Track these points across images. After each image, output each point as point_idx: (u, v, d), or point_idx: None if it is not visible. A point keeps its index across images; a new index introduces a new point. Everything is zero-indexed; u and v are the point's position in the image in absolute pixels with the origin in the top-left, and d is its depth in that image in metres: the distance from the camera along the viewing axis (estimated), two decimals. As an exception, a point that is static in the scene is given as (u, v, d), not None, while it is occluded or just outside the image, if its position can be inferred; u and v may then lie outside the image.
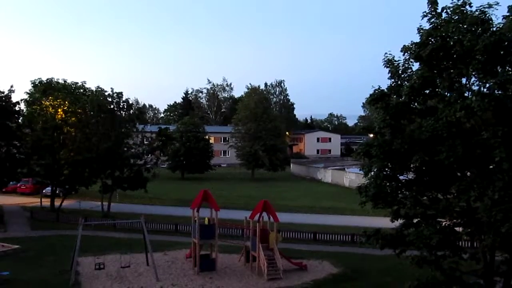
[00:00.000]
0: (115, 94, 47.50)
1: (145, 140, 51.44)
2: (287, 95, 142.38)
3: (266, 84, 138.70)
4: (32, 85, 56.80)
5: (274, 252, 28.02)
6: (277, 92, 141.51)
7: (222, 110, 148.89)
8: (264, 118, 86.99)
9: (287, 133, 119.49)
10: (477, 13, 17.00)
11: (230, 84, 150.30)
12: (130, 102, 50.35)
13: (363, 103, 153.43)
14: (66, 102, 47.32)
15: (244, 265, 29.53)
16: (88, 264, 28.62)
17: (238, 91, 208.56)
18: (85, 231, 29.67)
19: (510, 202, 15.06)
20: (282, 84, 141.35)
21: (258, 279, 26.84)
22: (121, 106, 48.22)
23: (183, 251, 32.25)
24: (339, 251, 33.35)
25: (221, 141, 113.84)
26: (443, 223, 18.43)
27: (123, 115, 48.64)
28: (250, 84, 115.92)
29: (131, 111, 49.80)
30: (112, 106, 47.55)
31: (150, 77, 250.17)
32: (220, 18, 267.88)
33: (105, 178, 46.86)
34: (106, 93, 47.56)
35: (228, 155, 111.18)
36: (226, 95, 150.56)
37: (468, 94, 17.05)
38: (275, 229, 28.87)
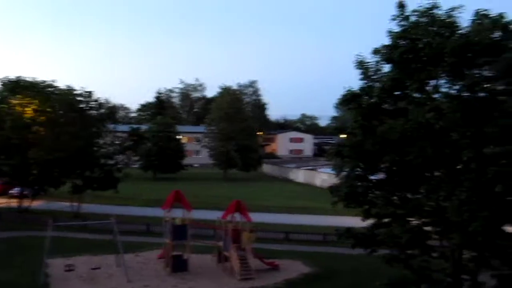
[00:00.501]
0: (86, 93, 46.84)
1: (116, 139, 50.85)
2: (260, 95, 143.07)
3: (239, 84, 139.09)
4: (1, 83, 55.59)
5: (246, 252, 28.05)
6: (250, 92, 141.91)
7: (194, 110, 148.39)
8: (237, 118, 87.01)
9: (260, 133, 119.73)
10: (444, 16, 17.38)
11: (203, 84, 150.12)
12: (101, 101, 49.71)
13: (335, 103, 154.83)
14: (35, 101, 46.43)
15: (217, 265, 29.48)
16: (58, 266, 28.14)
17: (211, 91, 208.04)
18: (55, 232, 29.15)
19: (478, 202, 15.39)
20: (255, 84, 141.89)
21: (231, 279, 26.83)
22: (91, 105, 47.56)
23: (155, 252, 32.00)
24: (311, 250, 33.57)
25: (194, 141, 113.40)
26: (413, 223, 18.75)
27: (94, 114, 47.99)
28: (223, 84, 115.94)
29: (102, 110, 49.17)
30: (82, 105, 46.85)
31: (122, 76, 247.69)
32: (193, 17, 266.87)
33: (75, 178, 46.16)
34: (76, 92, 46.83)
35: (201, 155, 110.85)
36: (198, 95, 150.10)
37: (438, 96, 17.37)
38: (247, 229, 28.90)
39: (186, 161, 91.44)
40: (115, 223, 28.66)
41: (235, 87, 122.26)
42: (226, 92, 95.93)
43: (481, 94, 16.63)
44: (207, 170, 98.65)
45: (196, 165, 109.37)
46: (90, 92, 46.96)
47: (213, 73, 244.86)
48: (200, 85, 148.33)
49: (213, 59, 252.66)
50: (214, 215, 33.44)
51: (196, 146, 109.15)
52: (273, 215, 46.53)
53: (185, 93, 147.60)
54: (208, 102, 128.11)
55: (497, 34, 17.21)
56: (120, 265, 28.30)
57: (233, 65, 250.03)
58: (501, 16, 17.04)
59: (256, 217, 35.78)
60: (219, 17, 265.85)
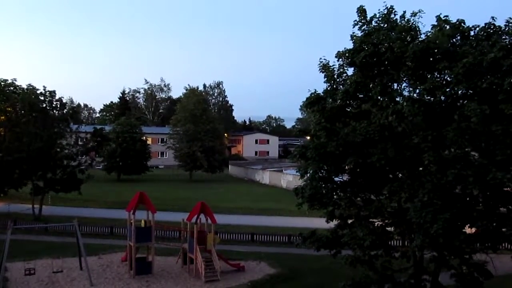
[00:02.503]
0: (48, 92, 45.89)
1: (79, 140, 49.96)
2: (226, 96, 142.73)
3: (204, 86, 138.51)
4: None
5: (211, 253, 27.99)
6: (215, 94, 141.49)
7: (160, 111, 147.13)
8: (203, 119, 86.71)
9: (225, 134, 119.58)
10: (404, 21, 17.77)
11: (168, 84, 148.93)
12: (64, 101, 48.76)
13: (300, 106, 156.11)
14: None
15: (182, 268, 29.31)
16: (17, 269, 27.49)
17: (176, 92, 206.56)
18: (15, 235, 28.48)
19: (439, 204, 15.75)
20: (221, 85, 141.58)
21: (196, 281, 26.73)
22: (54, 105, 46.63)
23: (119, 255, 31.61)
24: (277, 252, 33.73)
25: (158, 142, 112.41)
26: (376, 223, 19.06)
27: (56, 114, 47.06)
28: (188, 85, 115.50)
29: (65, 111, 48.24)
30: (44, 105, 45.88)
31: (86, 76, 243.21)
32: (158, 17, 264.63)
33: (36, 179, 45.14)
34: (38, 92, 45.82)
35: (166, 156, 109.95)
36: (164, 96, 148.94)
37: (400, 99, 17.70)
38: (212, 230, 28.87)
39: (151, 162, 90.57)
40: (78, 226, 28.17)
41: (201, 88, 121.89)
42: (192, 93, 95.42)
43: (442, 98, 17.02)
44: (172, 171, 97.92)
45: (161, 167, 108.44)
46: (52, 92, 46.07)
47: (179, 73, 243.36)
48: (166, 85, 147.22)
49: (179, 59, 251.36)
50: (178, 217, 33.25)
51: (161, 147, 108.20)
52: (238, 217, 46.55)
53: (150, 94, 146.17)
54: (173, 103, 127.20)
55: (456, 39, 17.72)
56: (82, 268, 27.85)
57: (199, 66, 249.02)
58: (460, 22, 17.50)
59: (221, 218, 35.76)
60: (185, 17, 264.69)
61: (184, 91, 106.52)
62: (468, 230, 17.23)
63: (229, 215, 45.74)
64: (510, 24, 17.13)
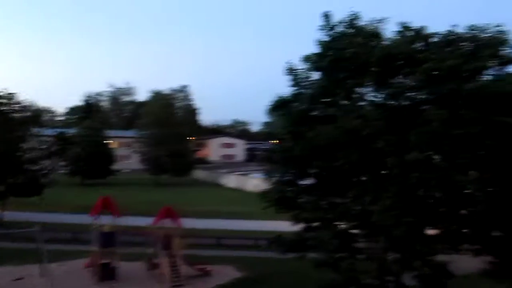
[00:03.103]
0: (8, 95, 44.70)
1: (42, 144, 48.87)
2: (192, 100, 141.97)
3: (171, 89, 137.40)
4: None
5: (177, 258, 27.79)
6: (182, 97, 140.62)
7: (125, 114, 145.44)
8: (169, 123, 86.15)
9: (191, 138, 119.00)
10: (369, 27, 18.11)
11: (133, 87, 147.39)
12: (25, 103, 47.62)
13: (267, 109, 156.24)
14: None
15: (147, 273, 28.98)
16: (-24, 277, 26.73)
17: (142, 95, 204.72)
18: (-27, 242, 27.69)
19: (401, 207, 16.07)
20: (187, 89, 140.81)
21: (161, 287, 26.47)
22: (14, 108, 45.45)
23: (82, 260, 30.99)
24: (243, 255, 33.70)
25: (124, 146, 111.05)
26: (341, 226, 19.29)
27: (17, 117, 45.88)
28: (154, 88, 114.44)
29: (26, 114, 47.09)
30: (4, 108, 44.66)
31: (49, 79, 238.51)
32: (122, 20, 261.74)
33: (-3, 184, 43.95)
34: (-3, 94, 44.60)
35: (131, 160, 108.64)
36: (129, 99, 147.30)
37: (364, 104, 18.01)
38: (178, 235, 28.66)
39: (116, 166, 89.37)
40: (40, 231, 27.54)
41: (166, 91, 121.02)
42: (157, 96, 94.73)
43: (405, 103, 17.39)
44: (137, 175, 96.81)
45: (126, 171, 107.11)
46: (12, 94, 44.92)
47: (145, 77, 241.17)
48: (130, 88, 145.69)
49: (144, 62, 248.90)
50: (144, 221, 32.88)
51: (126, 151, 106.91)
52: (204, 221, 46.29)
53: (115, 97, 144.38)
54: (138, 106, 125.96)
55: (418, 45, 18.14)
56: (44, 275, 27.25)
57: (166, 70, 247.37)
58: (422, 28, 17.94)
59: (187, 222, 35.46)
60: (149, 19, 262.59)
61: (150, 94, 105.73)
62: (430, 231, 17.64)
63: (195, 219, 45.38)
64: (470, 32, 17.65)
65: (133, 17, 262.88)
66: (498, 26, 17.75)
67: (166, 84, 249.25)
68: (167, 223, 29.25)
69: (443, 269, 19.03)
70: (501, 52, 17.67)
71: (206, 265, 30.03)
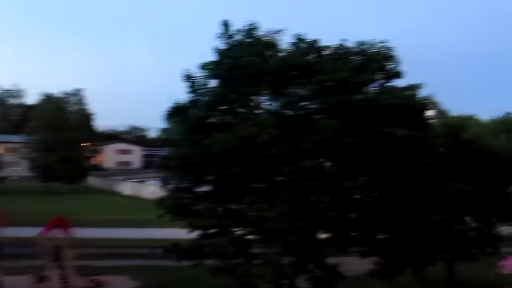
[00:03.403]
0: None
1: None
2: (86, 104, 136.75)
3: (63, 92, 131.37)
4: None
5: (68, 270, 26.65)
6: (75, 101, 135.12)
7: (12, 118, 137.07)
8: (61, 128, 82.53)
9: (85, 144, 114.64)
10: (266, 37, 18.59)
11: (21, 90, 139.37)
12: None
13: (163, 116, 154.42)
14: None
15: (34, 287, 27.45)
16: None
17: (31, 98, 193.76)
18: None
19: (296, 213, 16.62)
20: (81, 93, 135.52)
21: (50, 301, 25.22)
22: None
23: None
24: (138, 264, 32.94)
25: (11, 151, 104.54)
26: (237, 233, 19.53)
27: None
28: (45, 91, 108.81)
29: None
30: None
31: None
32: (12, 20, 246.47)
33: None
34: None
35: (19, 166, 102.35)
36: (17, 102, 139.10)
37: (260, 112, 18.42)
38: (69, 245, 27.52)
39: (2, 173, 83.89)
40: None
41: (58, 95, 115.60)
42: (49, 99, 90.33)
43: (299, 112, 18.03)
44: (26, 183, 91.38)
45: (14, 178, 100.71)
46: None
47: (35, 79, 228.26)
48: (19, 91, 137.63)
49: (35, 64, 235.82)
50: (32, 231, 31.13)
51: (14, 157, 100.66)
52: (98, 230, 44.63)
53: (1, 99, 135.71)
54: (27, 109, 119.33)
55: (312, 57, 18.92)
56: None
57: (57, 72, 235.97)
58: (315, 41, 18.73)
59: (80, 232, 34.08)
60: (39, 19, 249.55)
61: (41, 97, 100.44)
62: (321, 235, 18.38)
63: (88, 228, 43.63)
64: (358, 46, 18.73)
65: (20, 18, 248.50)
66: (383, 42, 19.02)
67: (58, 87, 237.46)
68: (58, 233, 27.97)
69: (334, 271, 19.92)
70: (387, 67, 18.96)
71: (99, 276, 29.05)
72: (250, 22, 19.11)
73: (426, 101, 20.87)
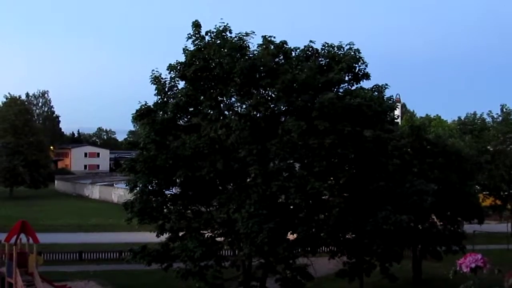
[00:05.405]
0: None
1: None
2: (52, 107, 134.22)
3: (27, 95, 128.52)
4: None
5: (34, 276, 26.02)
6: (40, 103, 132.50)
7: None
8: (26, 131, 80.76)
9: (51, 147, 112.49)
10: (236, 39, 18.57)
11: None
12: None
13: (131, 118, 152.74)
14: None
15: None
16: None
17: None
18: None
19: (264, 214, 16.66)
20: (46, 95, 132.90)
21: (15, 308, 24.63)
22: None
23: None
24: (107, 269, 32.52)
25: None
26: (206, 235, 19.45)
27: None
28: (8, 93, 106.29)
29: None
30: None
31: None
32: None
33: None
34: None
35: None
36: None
37: (228, 114, 18.40)
38: (34, 251, 26.89)
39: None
40: None
41: (23, 97, 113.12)
42: (13, 102, 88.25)
43: (266, 113, 18.08)
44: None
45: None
46: None
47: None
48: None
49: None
50: (-5, 237, 30.40)
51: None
52: (65, 235, 43.87)
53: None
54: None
55: (279, 58, 19.01)
56: None
57: (22, 74, 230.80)
58: (283, 43, 18.82)
59: (46, 237, 33.48)
60: (6, 20, 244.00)
61: (4, 100, 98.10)
62: (290, 236, 18.46)
63: (55, 233, 42.94)
64: (325, 48, 18.91)
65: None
66: (350, 44, 19.24)
67: (23, 89, 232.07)
68: (22, 238, 27.34)
69: (303, 272, 20.05)
70: (354, 68, 19.19)
71: (66, 282, 28.55)
72: (220, 24, 19.03)
73: (392, 102, 21.25)
